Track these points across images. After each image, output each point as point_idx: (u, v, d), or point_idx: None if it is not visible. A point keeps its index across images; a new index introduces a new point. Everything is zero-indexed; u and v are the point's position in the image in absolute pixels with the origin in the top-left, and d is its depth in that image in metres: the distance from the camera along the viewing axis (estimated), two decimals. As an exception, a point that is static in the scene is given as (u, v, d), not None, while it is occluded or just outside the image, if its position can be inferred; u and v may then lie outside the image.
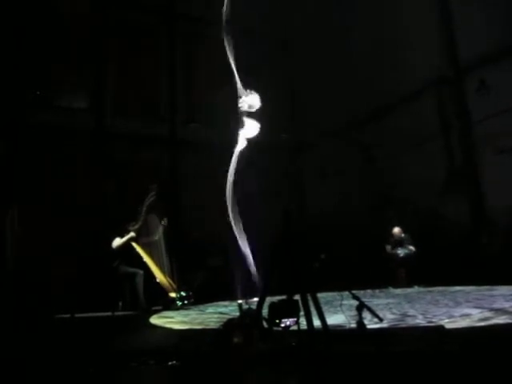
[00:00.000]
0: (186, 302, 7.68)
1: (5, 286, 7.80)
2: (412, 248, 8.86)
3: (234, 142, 6.08)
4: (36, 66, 10.66)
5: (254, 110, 5.88)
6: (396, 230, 9.16)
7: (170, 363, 2.97)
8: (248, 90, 5.81)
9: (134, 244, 7.90)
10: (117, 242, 7.80)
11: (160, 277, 7.84)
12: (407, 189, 10.03)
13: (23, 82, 10.52)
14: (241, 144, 5.96)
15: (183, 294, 7.76)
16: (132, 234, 7.86)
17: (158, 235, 8.11)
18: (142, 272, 7.61)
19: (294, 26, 13.64)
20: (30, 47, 10.58)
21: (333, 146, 12.04)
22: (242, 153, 5.98)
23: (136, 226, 7.95)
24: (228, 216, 5.85)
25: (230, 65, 5.90)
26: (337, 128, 12.06)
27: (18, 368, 3.30)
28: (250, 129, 5.94)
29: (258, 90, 6.03)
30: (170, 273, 8.02)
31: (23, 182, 9.67)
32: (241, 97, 5.77)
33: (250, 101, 5.82)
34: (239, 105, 5.80)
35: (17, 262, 8.94)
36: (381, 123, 11.07)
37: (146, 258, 7.88)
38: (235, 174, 5.89)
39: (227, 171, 6.01)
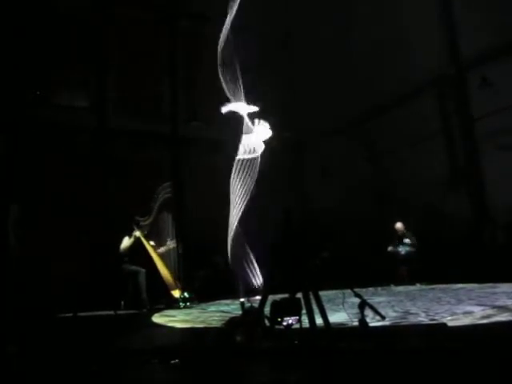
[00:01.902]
0: (188, 303, 7.67)
1: (6, 286, 7.80)
2: (413, 245, 8.86)
3: (235, 140, 6.07)
4: (37, 65, 10.65)
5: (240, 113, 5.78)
6: (398, 224, 9.17)
7: (172, 362, 2.97)
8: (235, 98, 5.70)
9: (142, 239, 7.87)
10: (124, 244, 7.78)
11: (165, 274, 7.83)
12: (409, 186, 10.03)
13: (24, 81, 10.51)
14: (246, 145, 5.92)
15: (186, 295, 7.75)
16: (137, 233, 7.82)
17: (166, 248, 8.08)
18: (144, 270, 7.60)
19: (294, 26, 13.63)
20: (31, 46, 10.57)
21: (334, 144, 12.04)
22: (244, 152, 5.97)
23: (147, 222, 7.96)
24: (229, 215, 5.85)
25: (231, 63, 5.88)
26: (338, 127, 12.06)
27: (20, 367, 3.31)
28: (262, 131, 5.87)
29: (258, 90, 6.01)
30: (176, 272, 8.01)
31: (23, 181, 9.66)
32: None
33: (236, 108, 5.72)
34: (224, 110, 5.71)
35: (18, 261, 8.94)
36: (382, 121, 11.07)
37: (153, 254, 7.87)
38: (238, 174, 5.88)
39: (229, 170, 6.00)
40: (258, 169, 5.85)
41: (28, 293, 7.99)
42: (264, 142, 5.94)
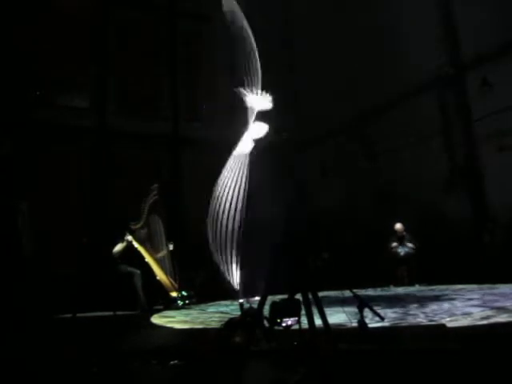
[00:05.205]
0: (187, 301, 7.66)
1: (17, 286, 7.75)
2: (412, 246, 8.85)
3: (236, 141, 6.04)
4: (38, 65, 10.66)
5: (264, 109, 5.69)
6: (398, 225, 9.15)
7: (171, 363, 2.97)
8: (255, 90, 5.62)
9: (134, 243, 7.85)
10: (117, 248, 7.75)
11: (161, 275, 7.82)
12: (408, 186, 10.03)
13: (24, 82, 10.51)
14: (246, 144, 5.87)
15: (184, 293, 7.74)
16: (129, 237, 7.78)
17: (162, 254, 8.06)
18: (139, 272, 7.55)
19: (295, 24, 13.63)
20: (32, 46, 10.57)
21: (334, 143, 12.04)
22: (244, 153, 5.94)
23: (138, 226, 7.94)
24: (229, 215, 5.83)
25: (232, 63, 5.85)
26: (338, 126, 12.06)
27: (20, 368, 3.31)
28: (258, 129, 5.81)
29: (258, 90, 5.96)
30: (171, 272, 8.00)
31: (24, 182, 9.66)
32: (246, 96, 5.60)
33: (258, 101, 5.63)
34: (247, 104, 5.62)
35: (31, 261, 8.92)
36: (382, 121, 11.07)
37: (148, 257, 7.86)
38: (237, 174, 5.85)
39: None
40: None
41: (30, 293, 7.98)
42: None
